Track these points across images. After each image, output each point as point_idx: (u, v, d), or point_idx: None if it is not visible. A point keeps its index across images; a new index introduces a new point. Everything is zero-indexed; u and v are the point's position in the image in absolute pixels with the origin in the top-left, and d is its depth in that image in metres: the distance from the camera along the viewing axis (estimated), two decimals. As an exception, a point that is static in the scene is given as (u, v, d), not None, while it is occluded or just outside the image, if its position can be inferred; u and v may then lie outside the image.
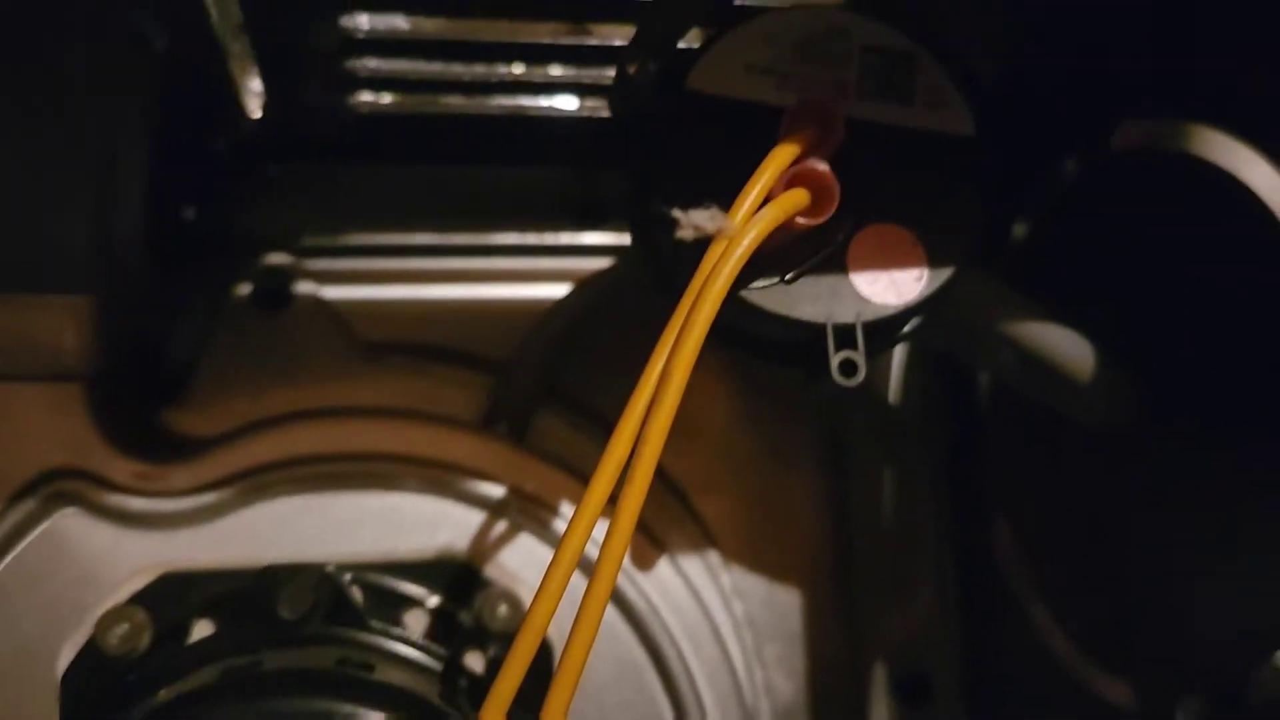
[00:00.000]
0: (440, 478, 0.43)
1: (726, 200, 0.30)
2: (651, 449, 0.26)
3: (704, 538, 0.51)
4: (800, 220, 0.29)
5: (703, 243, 0.29)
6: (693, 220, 0.28)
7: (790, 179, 0.29)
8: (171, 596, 0.39)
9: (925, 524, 0.54)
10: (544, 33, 0.42)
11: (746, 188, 0.29)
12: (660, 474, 0.51)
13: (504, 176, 0.52)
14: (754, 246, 0.28)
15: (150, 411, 0.46)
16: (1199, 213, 0.39)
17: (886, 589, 0.53)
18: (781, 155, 0.29)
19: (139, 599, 0.39)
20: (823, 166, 0.29)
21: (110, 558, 0.40)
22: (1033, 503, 0.50)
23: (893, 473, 0.55)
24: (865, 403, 0.56)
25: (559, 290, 0.51)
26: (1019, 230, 0.50)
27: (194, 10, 0.37)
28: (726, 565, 0.51)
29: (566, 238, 0.54)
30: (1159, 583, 0.40)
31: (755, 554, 0.52)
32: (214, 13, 0.38)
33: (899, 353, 0.56)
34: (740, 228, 0.28)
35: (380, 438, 0.43)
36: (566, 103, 0.46)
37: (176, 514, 0.41)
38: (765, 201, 0.30)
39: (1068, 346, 0.38)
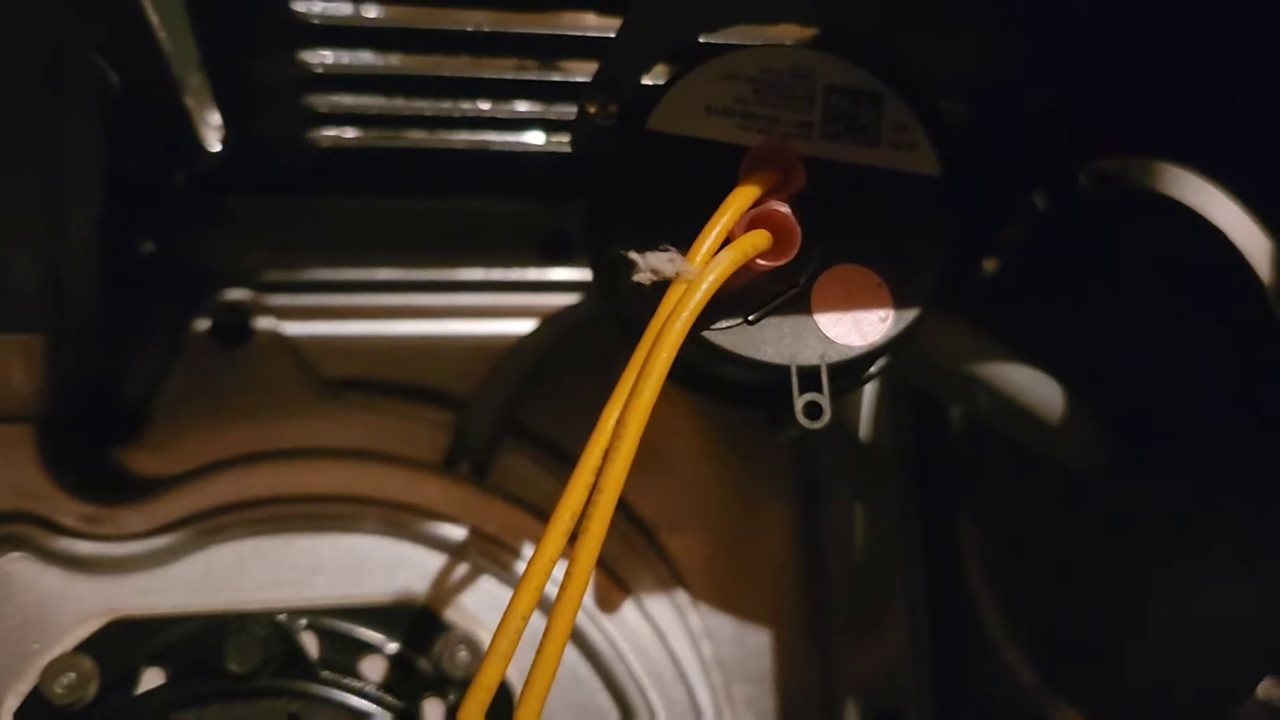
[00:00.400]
0: (399, 519, 0.42)
1: (687, 242, 0.30)
2: (607, 499, 0.25)
3: (671, 577, 0.50)
4: (760, 262, 0.29)
5: (663, 285, 0.28)
6: (651, 263, 0.27)
7: (751, 221, 0.29)
8: (120, 644, 0.38)
9: (896, 560, 0.54)
10: (509, 68, 0.41)
11: (705, 230, 0.28)
12: (626, 512, 0.51)
13: (468, 210, 0.51)
14: (713, 290, 0.27)
15: (103, 451, 0.45)
16: (1165, 250, 0.39)
17: (857, 626, 0.52)
18: (742, 197, 0.29)
19: (86, 647, 0.38)
20: (783, 208, 0.29)
21: (57, 604, 0.39)
22: (1004, 539, 0.49)
23: (864, 509, 0.54)
24: (836, 438, 0.55)
25: (524, 326, 0.51)
26: (989, 265, 0.50)
27: (148, 47, 0.36)
28: (695, 605, 0.50)
29: (532, 273, 0.53)
30: (1130, 620, 0.40)
31: (724, 593, 0.51)
32: (168, 49, 0.37)
33: (870, 387, 0.56)
34: (699, 271, 0.27)
35: (338, 478, 0.42)
36: (532, 137, 0.46)
37: (127, 558, 0.40)
38: (726, 243, 0.29)
39: (1036, 388, 0.38)
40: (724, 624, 0.50)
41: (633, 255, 0.28)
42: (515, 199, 0.51)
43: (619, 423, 0.26)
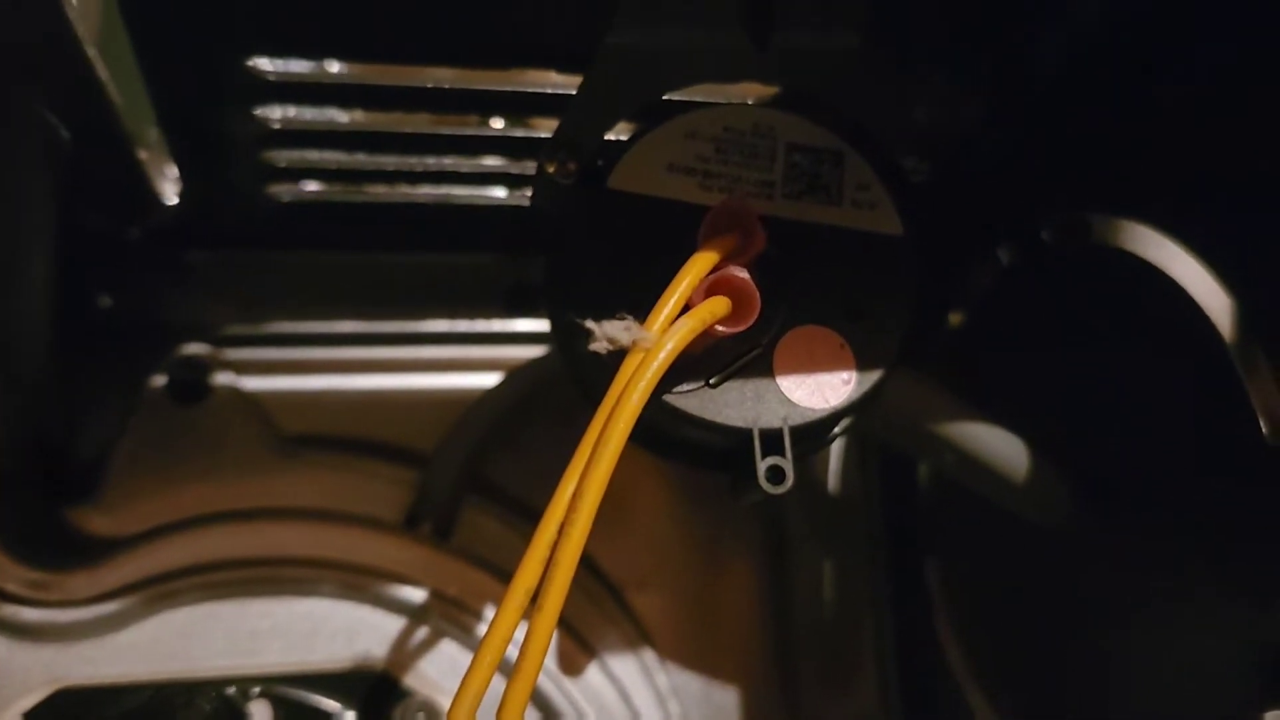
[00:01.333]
0: (358, 582, 0.41)
1: (648, 304, 0.29)
2: (563, 573, 0.25)
3: (638, 636, 0.49)
4: (720, 329, 0.28)
5: (621, 353, 0.28)
6: (607, 332, 0.27)
7: (709, 286, 0.28)
8: (66, 715, 0.37)
9: (865, 613, 0.53)
10: (471, 124, 0.41)
11: (663, 297, 0.28)
12: (593, 570, 0.50)
13: (431, 263, 0.51)
14: (671, 359, 0.27)
15: (54, 512, 0.44)
16: (1127, 305, 0.39)
17: (827, 680, 0.51)
18: (700, 262, 0.28)
19: (31, 717, 0.37)
20: (742, 274, 0.28)
21: (1, 672, 0.38)
22: (972, 590, 0.49)
23: (832, 562, 0.54)
24: (803, 492, 0.55)
25: (489, 379, 0.50)
26: (956, 318, 0.50)
27: (99, 104, 0.35)
28: (662, 664, 0.49)
29: (497, 324, 0.53)
30: (1098, 670, 0.40)
31: (692, 651, 0.50)
32: (121, 105, 0.36)
33: (839, 441, 0.56)
34: (657, 339, 0.27)
35: (295, 540, 0.41)
36: (496, 192, 0.45)
37: (74, 625, 0.38)
38: (686, 309, 0.29)
39: (999, 446, 0.38)
40: (692, 682, 0.50)
41: (588, 324, 0.27)
42: (480, 251, 0.51)
43: (575, 494, 0.26)
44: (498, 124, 0.41)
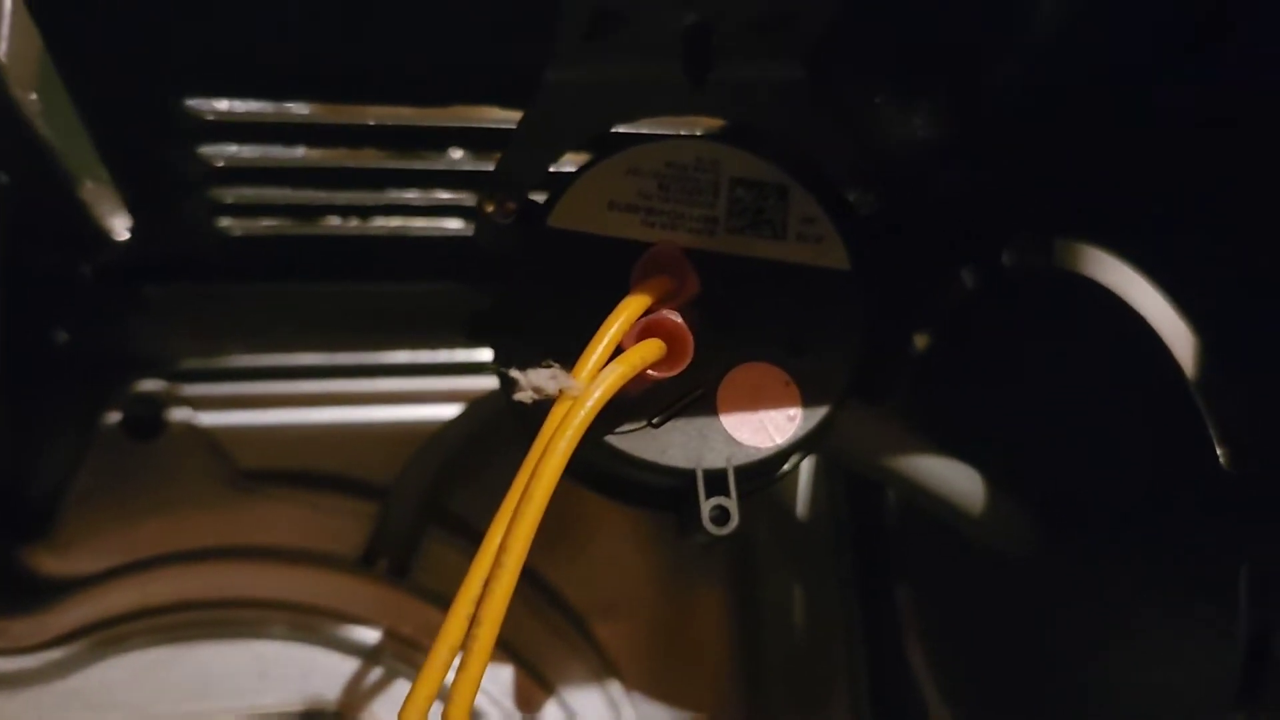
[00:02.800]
0: (310, 622, 0.41)
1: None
2: (486, 633, 0.24)
3: (603, 667, 0.49)
4: (652, 374, 0.28)
5: (549, 401, 0.27)
6: (532, 381, 0.26)
7: (642, 330, 0.28)
8: (11, 765, 0.37)
9: (836, 638, 0.53)
10: (420, 158, 0.40)
11: (592, 343, 0.27)
12: (555, 599, 0.49)
13: (390, 293, 0.50)
14: (598, 409, 0.26)
15: (6, 551, 0.43)
16: (1085, 330, 0.39)
17: (798, 709, 0.51)
18: (630, 306, 0.28)
19: (-25, 768, 0.37)
20: (675, 317, 0.28)
21: (-55, 723, 0.37)
22: (943, 613, 0.48)
23: (801, 587, 0.53)
24: (771, 516, 0.54)
25: (451, 410, 0.50)
26: (920, 341, 0.50)
27: (34, 147, 0.35)
28: (628, 695, 0.49)
29: (459, 355, 0.52)
30: (1068, 697, 0.39)
31: (659, 681, 0.50)
32: (59, 147, 0.36)
33: (807, 464, 0.55)
34: (585, 387, 0.26)
35: (246, 581, 0.41)
36: (451, 223, 0.45)
37: (20, 673, 0.38)
38: (619, 352, 0.28)
39: (954, 480, 0.37)
40: (659, 714, 0.49)
41: (513, 373, 0.27)
42: (439, 280, 0.50)
43: (500, 549, 0.25)
44: (448, 156, 0.41)
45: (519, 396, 0.26)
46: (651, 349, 0.28)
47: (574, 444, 0.26)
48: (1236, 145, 0.34)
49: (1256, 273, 0.33)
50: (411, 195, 0.42)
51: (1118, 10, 0.33)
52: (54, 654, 0.39)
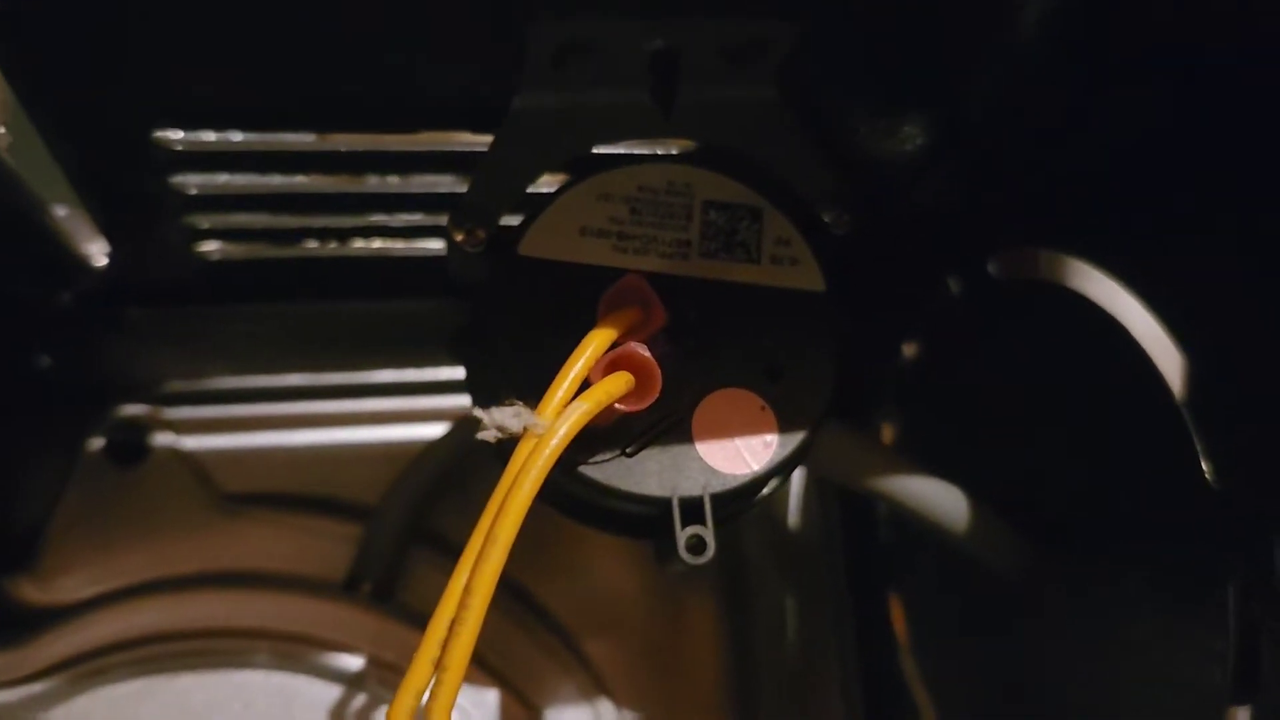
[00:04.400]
0: (293, 651, 0.40)
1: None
2: (452, 676, 0.24)
3: (593, 685, 0.48)
4: (620, 407, 0.28)
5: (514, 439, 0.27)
6: (495, 420, 0.26)
7: (609, 363, 0.28)
8: (-9, 801, 0.36)
9: (829, 652, 0.53)
10: (393, 182, 0.40)
11: (557, 380, 0.27)
12: (544, 618, 0.49)
13: (374, 312, 0.50)
14: (563, 447, 0.26)
15: (-15, 584, 0.43)
16: (1070, 343, 0.39)
17: (793, 724, 0.51)
18: (597, 340, 0.28)
19: (-45, 805, 0.36)
20: (643, 350, 0.27)
21: (-75, 758, 0.37)
22: (937, 628, 0.48)
23: (794, 601, 0.53)
24: (762, 528, 0.54)
25: (435, 430, 0.49)
26: (909, 350, 0.50)
27: (9, 180, 0.35)
28: (619, 714, 0.49)
29: (444, 373, 0.52)
30: (1063, 711, 0.39)
31: (650, 699, 0.50)
32: (31, 181, 0.36)
33: (797, 478, 0.55)
34: (550, 424, 0.26)
35: (229, 610, 0.41)
36: (429, 244, 0.44)
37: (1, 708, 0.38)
38: (585, 387, 0.28)
39: (939, 501, 0.37)
40: (652, 732, 0.49)
41: (476, 412, 0.26)
42: (422, 298, 0.50)
43: (465, 591, 0.25)
44: (425, 179, 0.40)
45: (482, 435, 0.26)
46: (618, 383, 0.27)
47: (539, 483, 0.26)
48: (1220, 157, 0.33)
49: (1241, 286, 0.33)
50: (389, 218, 0.42)
51: (1095, 20, 0.33)
52: (33, 688, 0.39)
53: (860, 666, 0.52)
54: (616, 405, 0.28)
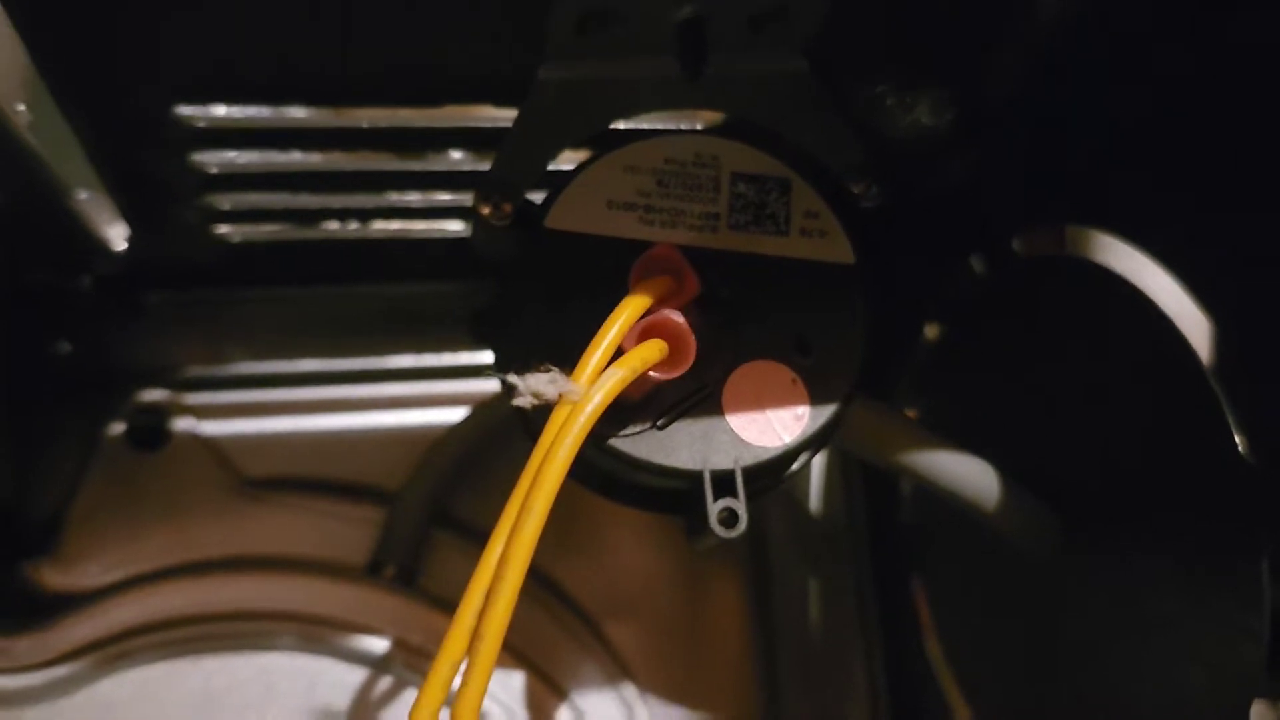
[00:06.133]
0: (317, 634, 0.40)
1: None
2: (489, 647, 0.24)
3: (617, 669, 0.48)
4: (655, 375, 0.27)
5: (549, 406, 0.27)
6: (531, 386, 0.25)
7: (643, 331, 0.27)
8: (17, 784, 0.36)
9: (854, 636, 0.52)
10: (416, 159, 0.40)
11: (591, 346, 0.27)
12: (567, 601, 0.49)
13: (394, 295, 0.50)
14: (599, 413, 0.26)
15: (9, 568, 0.43)
16: (1099, 318, 0.38)
17: (817, 709, 0.50)
18: (631, 307, 0.27)
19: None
20: (677, 317, 0.27)
21: (-51, 743, 0.37)
22: (962, 610, 0.48)
23: (817, 584, 0.52)
24: (786, 511, 0.54)
25: (457, 414, 0.49)
26: (931, 330, 0.49)
27: (28, 162, 0.35)
28: (643, 697, 0.48)
29: (464, 356, 0.51)
30: (1089, 694, 0.38)
31: (674, 682, 0.49)
32: (53, 163, 0.35)
33: (820, 459, 0.54)
34: (585, 391, 0.26)
35: (252, 592, 0.40)
36: (451, 225, 0.44)
37: (23, 691, 0.38)
38: (620, 354, 0.27)
39: (969, 476, 0.37)
40: (674, 715, 0.49)
41: (511, 378, 0.26)
42: (442, 281, 0.50)
43: (501, 561, 0.24)
44: (447, 157, 0.40)
45: (518, 402, 0.26)
46: (653, 350, 0.27)
47: (574, 450, 0.25)
48: (1246, 125, 0.33)
49: (1272, 256, 0.32)
50: (410, 197, 0.41)
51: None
52: (58, 671, 0.38)
53: (884, 648, 0.52)
54: (651, 373, 0.27)
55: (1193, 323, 0.34)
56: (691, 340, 0.28)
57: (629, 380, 0.26)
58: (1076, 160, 0.40)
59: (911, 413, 0.50)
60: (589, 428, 0.26)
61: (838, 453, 0.53)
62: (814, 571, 0.52)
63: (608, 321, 0.27)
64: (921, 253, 0.45)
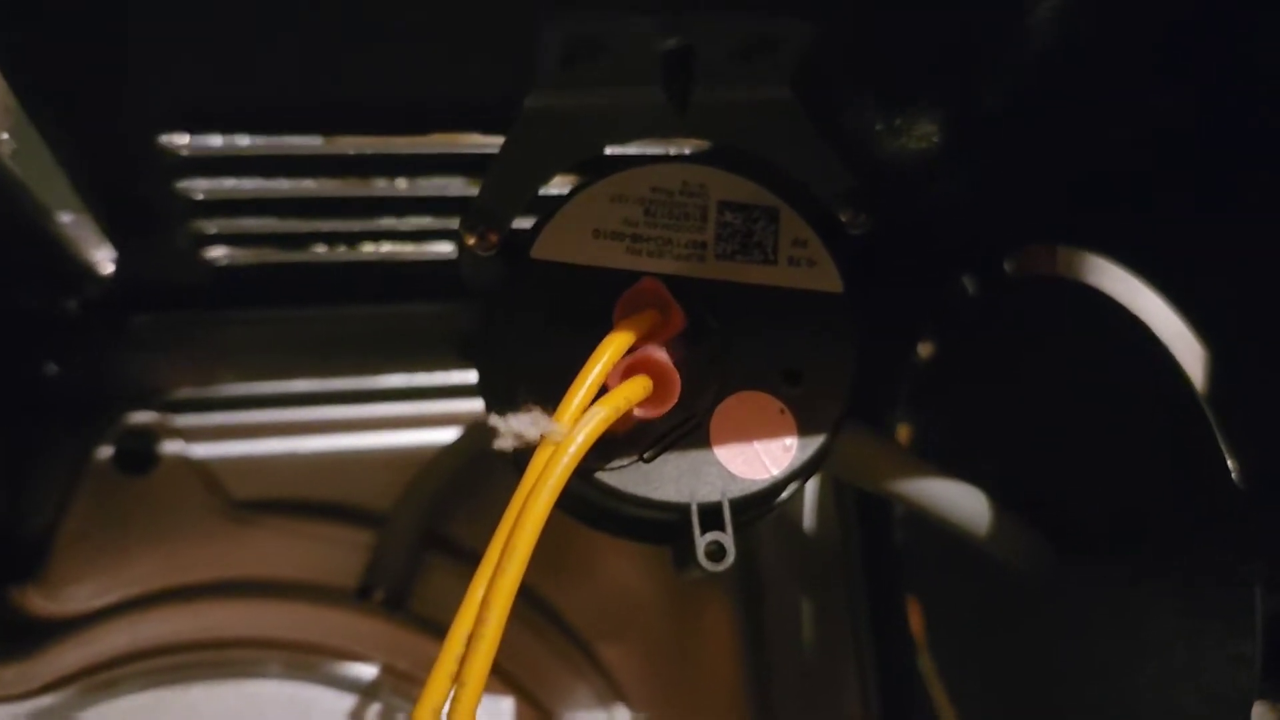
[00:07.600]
0: (305, 660, 0.40)
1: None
2: (470, 693, 0.23)
3: (610, 692, 0.48)
4: (639, 413, 0.27)
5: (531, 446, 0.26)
6: (512, 427, 0.25)
7: (627, 368, 0.27)
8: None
9: (847, 656, 0.52)
10: (403, 185, 0.39)
11: (574, 385, 0.26)
12: (559, 623, 0.48)
13: (383, 315, 0.49)
14: (581, 454, 0.25)
15: (-5, 593, 0.43)
16: (1089, 339, 0.38)
17: (811, 727, 0.50)
18: (614, 344, 0.27)
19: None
20: (661, 354, 0.27)
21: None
22: (956, 632, 0.48)
23: (810, 604, 0.52)
24: (778, 532, 0.53)
25: (447, 435, 0.49)
26: (923, 351, 0.49)
27: (11, 189, 0.34)
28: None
29: (455, 376, 0.51)
30: (1085, 713, 0.38)
31: (667, 704, 0.49)
32: (34, 187, 0.35)
33: (814, 479, 0.54)
34: (568, 430, 0.26)
35: (239, 620, 0.40)
36: (438, 247, 0.44)
37: (8, 721, 0.37)
38: (605, 391, 0.27)
39: (958, 502, 0.36)
40: (668, 738, 0.48)
41: (493, 420, 0.26)
42: (431, 301, 0.49)
43: (483, 605, 0.24)
44: (433, 182, 0.40)
45: (499, 445, 0.26)
46: (637, 388, 0.27)
47: (557, 491, 0.25)
48: (1240, 149, 0.33)
49: (1265, 281, 0.32)
50: (399, 221, 0.41)
51: (1112, 14, 0.32)
52: (42, 701, 0.38)
53: (878, 667, 0.52)
54: (635, 411, 0.27)
55: (1185, 346, 0.34)
56: (676, 378, 0.27)
57: (612, 420, 0.26)
58: (1069, 182, 0.40)
59: (904, 430, 0.50)
60: (571, 469, 0.25)
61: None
62: (806, 591, 0.52)
63: (591, 359, 0.27)
64: (914, 273, 0.45)
